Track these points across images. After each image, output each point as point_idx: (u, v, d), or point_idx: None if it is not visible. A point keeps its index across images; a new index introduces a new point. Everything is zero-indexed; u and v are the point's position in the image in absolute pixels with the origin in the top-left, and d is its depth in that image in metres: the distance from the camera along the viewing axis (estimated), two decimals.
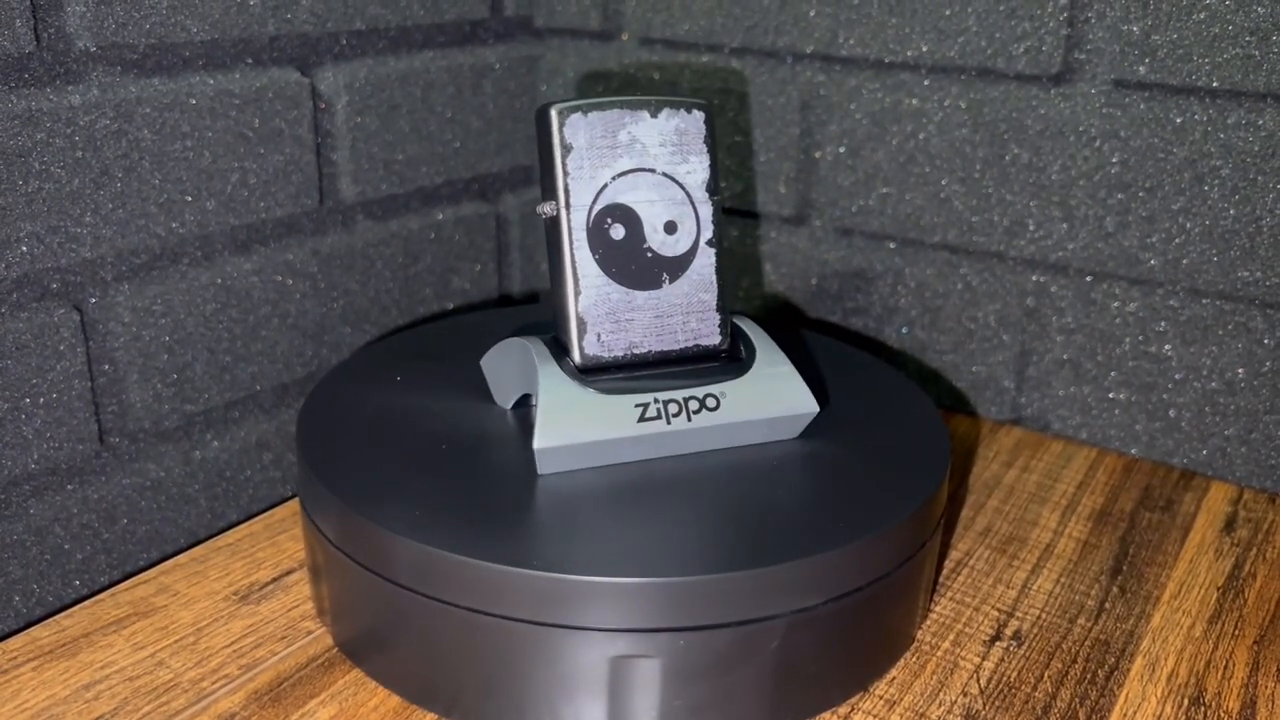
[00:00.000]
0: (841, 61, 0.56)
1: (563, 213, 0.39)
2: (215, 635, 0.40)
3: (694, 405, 0.39)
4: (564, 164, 0.39)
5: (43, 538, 0.45)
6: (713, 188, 0.41)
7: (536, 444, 0.38)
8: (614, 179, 0.40)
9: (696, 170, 0.41)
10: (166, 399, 0.49)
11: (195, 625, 0.41)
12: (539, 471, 0.39)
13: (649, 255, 0.41)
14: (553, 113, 0.39)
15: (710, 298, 0.41)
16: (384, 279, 0.58)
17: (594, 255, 0.40)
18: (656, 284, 0.41)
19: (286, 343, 0.53)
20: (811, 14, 0.56)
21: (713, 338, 0.41)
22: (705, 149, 0.41)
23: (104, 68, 0.44)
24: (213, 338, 0.50)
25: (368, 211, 0.57)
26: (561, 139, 0.39)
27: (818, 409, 0.41)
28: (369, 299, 0.57)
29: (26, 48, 0.41)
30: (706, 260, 0.41)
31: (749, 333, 0.42)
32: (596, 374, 0.40)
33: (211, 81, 0.48)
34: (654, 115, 0.40)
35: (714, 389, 0.40)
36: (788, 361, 0.41)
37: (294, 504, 0.49)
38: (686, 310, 0.41)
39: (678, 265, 0.41)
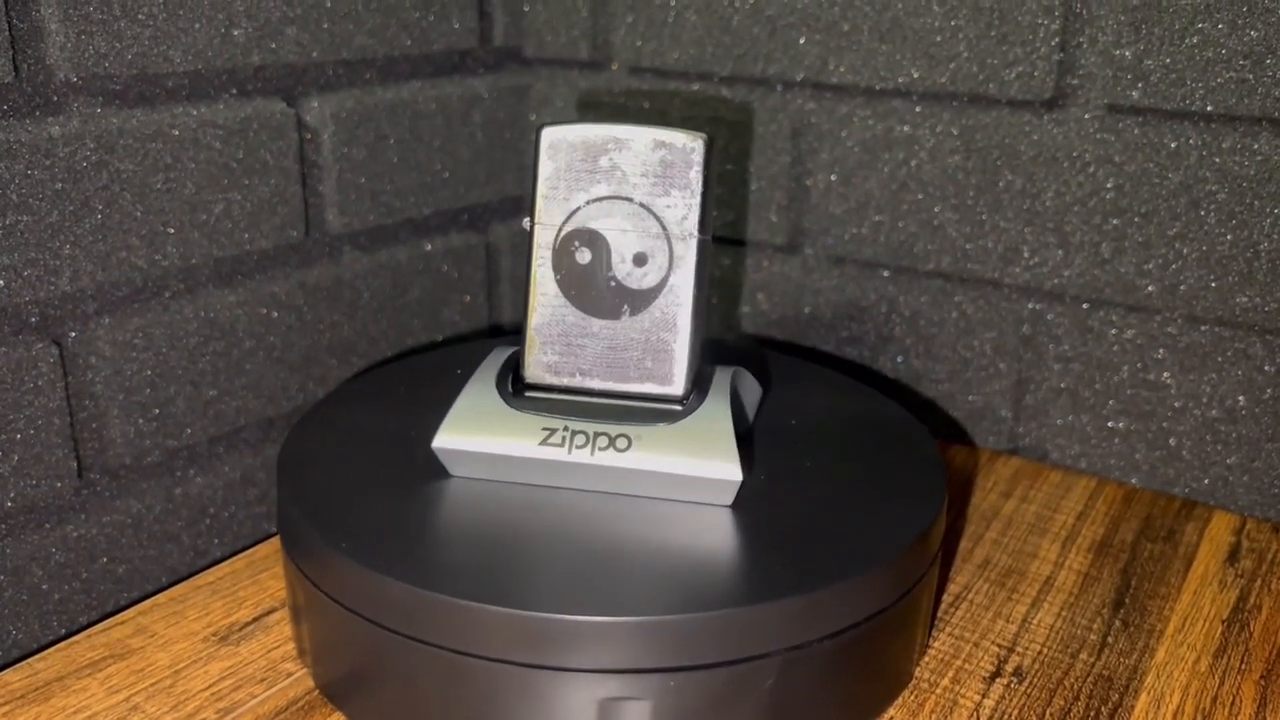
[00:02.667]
0: (832, 89, 0.56)
1: (534, 230, 0.40)
2: (193, 678, 0.39)
3: (602, 442, 0.38)
4: (541, 182, 0.40)
5: (19, 578, 0.44)
6: (698, 227, 0.39)
7: (434, 443, 0.39)
8: (588, 203, 0.40)
9: (677, 205, 0.39)
10: (148, 434, 0.48)
11: (173, 667, 0.40)
12: (451, 472, 0.40)
13: (612, 284, 0.40)
14: (541, 132, 0.40)
15: (672, 339, 0.40)
16: (371, 311, 0.57)
17: (555, 275, 0.40)
18: (615, 314, 0.40)
19: (271, 376, 0.53)
20: (801, 41, 0.56)
21: (670, 384, 0.40)
22: (691, 184, 0.39)
23: (85, 99, 0.44)
24: (196, 372, 0.49)
25: (355, 243, 0.56)
26: (543, 158, 0.40)
27: (740, 479, 0.37)
28: (356, 331, 0.56)
29: (5, 78, 0.41)
30: (673, 300, 0.40)
31: (714, 384, 0.40)
32: (540, 392, 0.40)
33: (195, 112, 0.47)
34: (641, 144, 0.39)
35: (629, 430, 0.38)
36: (728, 420, 0.38)
37: (277, 540, 0.48)
38: (644, 347, 0.40)
39: (641, 299, 0.40)
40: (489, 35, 0.61)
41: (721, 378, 0.41)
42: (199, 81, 0.48)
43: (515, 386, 0.41)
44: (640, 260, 0.39)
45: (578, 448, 0.38)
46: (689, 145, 0.39)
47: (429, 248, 0.60)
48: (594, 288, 0.40)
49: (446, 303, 0.62)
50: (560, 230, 0.40)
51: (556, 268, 0.40)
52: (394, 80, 0.56)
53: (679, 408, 0.39)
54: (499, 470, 0.39)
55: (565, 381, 0.40)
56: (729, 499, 0.38)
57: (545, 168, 0.40)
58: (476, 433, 0.39)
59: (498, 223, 0.65)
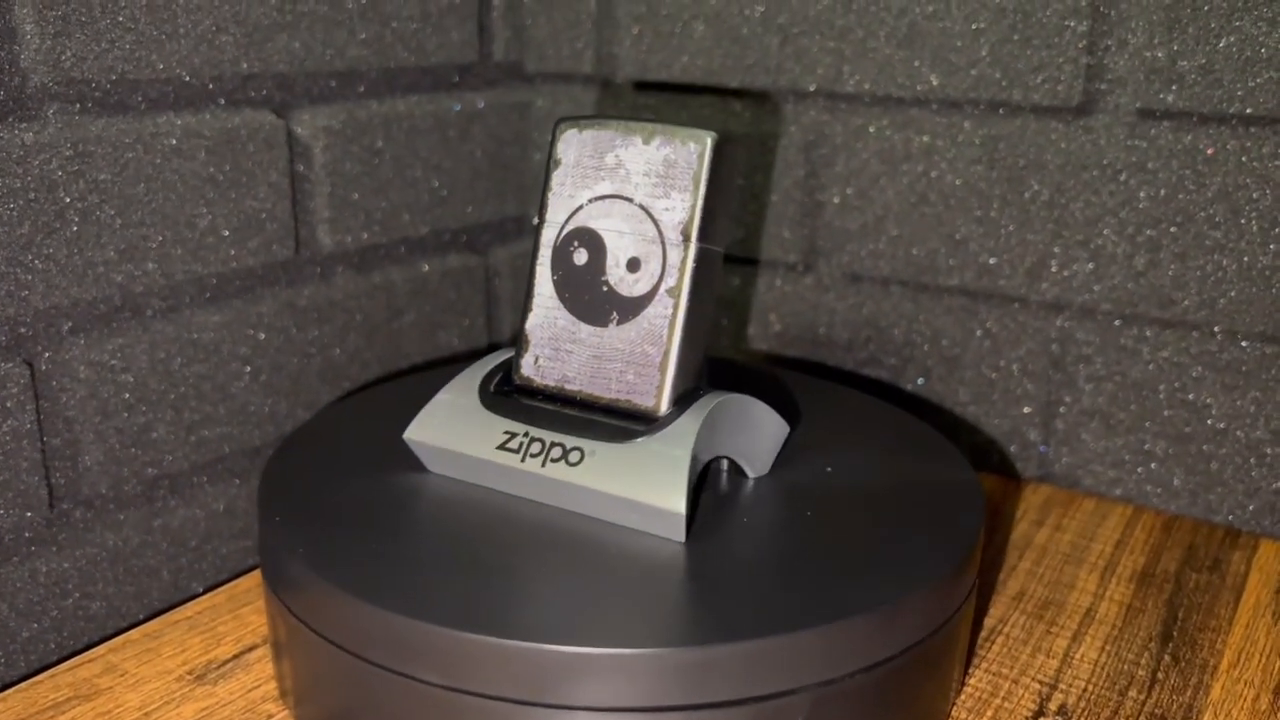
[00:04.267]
0: (846, 99, 0.54)
1: (540, 227, 0.38)
2: None
3: (556, 453, 0.35)
4: (550, 178, 0.38)
5: None
6: (699, 233, 0.36)
7: (405, 434, 0.39)
8: (590, 201, 0.37)
9: (676, 208, 0.36)
10: (126, 462, 0.45)
11: (143, 709, 0.36)
12: (426, 467, 0.39)
13: (604, 289, 0.37)
14: (557, 126, 0.38)
15: (656, 354, 0.36)
16: (364, 334, 0.54)
17: (553, 275, 0.38)
18: (604, 321, 0.37)
19: (258, 402, 0.50)
20: (814, 50, 0.54)
21: (648, 401, 0.36)
22: (692, 186, 0.36)
23: (61, 104, 0.41)
24: (177, 396, 0.46)
25: (347, 262, 0.53)
26: (555, 153, 0.38)
27: (683, 512, 0.33)
28: (348, 355, 0.54)
29: None
30: (662, 310, 0.36)
31: (693, 408, 0.36)
32: (525, 396, 0.38)
33: (179, 121, 0.45)
34: (646, 141, 0.37)
35: (586, 444, 0.35)
36: (687, 448, 0.34)
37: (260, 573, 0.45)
38: (627, 359, 0.36)
39: (630, 307, 0.37)
40: (489, 49, 0.59)
41: (707, 402, 0.36)
42: (184, 89, 0.45)
43: (500, 388, 0.39)
44: (634, 266, 0.37)
45: (531, 456, 0.36)
46: (693, 144, 0.36)
47: (425, 269, 0.57)
48: (587, 291, 0.37)
49: (443, 326, 0.59)
50: (562, 229, 0.38)
51: (555, 268, 0.38)
52: (389, 94, 0.54)
53: (643, 427, 0.36)
54: (464, 470, 0.38)
55: (550, 387, 0.38)
56: (677, 534, 0.34)
57: (556, 162, 0.38)
58: (444, 429, 0.38)
59: (498, 244, 0.62)
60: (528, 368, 0.38)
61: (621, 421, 0.36)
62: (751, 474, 0.39)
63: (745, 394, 0.38)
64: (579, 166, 0.37)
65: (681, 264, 0.36)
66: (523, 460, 0.36)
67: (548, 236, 0.38)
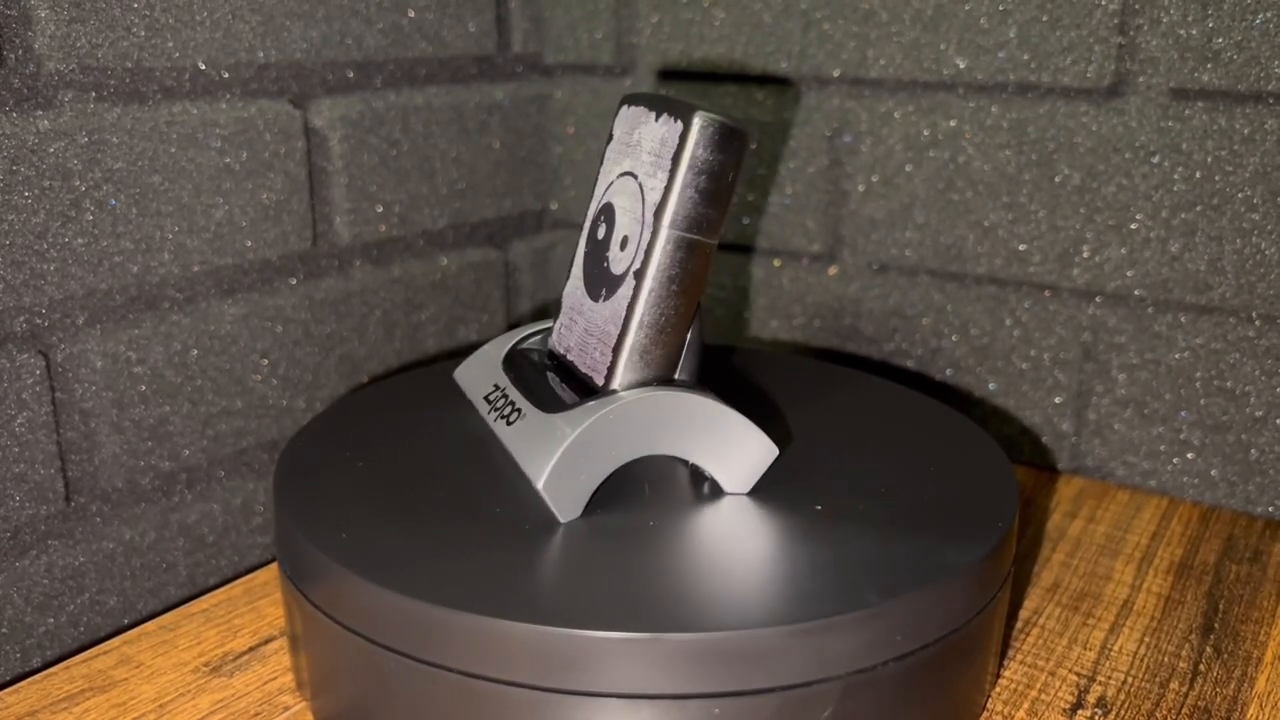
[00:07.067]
0: (871, 84, 0.53)
1: (592, 199, 0.39)
2: (180, 712, 0.35)
3: (506, 410, 0.37)
4: (605, 151, 0.39)
5: (0, 608, 0.41)
6: (671, 217, 0.34)
7: (455, 373, 0.42)
8: (618, 177, 0.37)
9: (656, 189, 0.34)
10: (142, 455, 0.44)
11: (158, 701, 0.36)
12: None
13: (605, 265, 0.37)
14: (620, 102, 0.39)
15: (614, 333, 0.35)
16: (383, 329, 0.54)
17: (586, 247, 0.38)
18: (597, 297, 0.37)
19: (276, 395, 0.49)
20: (837, 35, 0.53)
21: (599, 379, 0.35)
22: (670, 168, 0.34)
23: (76, 91, 0.41)
24: (194, 389, 0.46)
25: (366, 255, 0.53)
26: (611, 128, 0.39)
27: (540, 487, 0.33)
28: (367, 349, 0.53)
29: None
30: (626, 292, 0.35)
31: (625, 394, 0.34)
32: (550, 359, 0.40)
33: (195, 110, 0.44)
34: (657, 119, 0.36)
35: (525, 408, 0.36)
36: (573, 430, 0.33)
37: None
38: (599, 336, 0.36)
39: (613, 285, 0.36)
40: (508, 41, 0.59)
41: (641, 394, 0.34)
42: (200, 78, 0.45)
43: (534, 348, 0.41)
44: (624, 244, 0.36)
45: (494, 409, 0.38)
46: (681, 122, 0.34)
47: (444, 262, 0.57)
48: (596, 266, 0.37)
49: (463, 321, 0.58)
50: (599, 202, 0.38)
51: (588, 240, 0.38)
52: (408, 85, 0.53)
53: (572, 402, 0.35)
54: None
55: (559, 354, 0.39)
56: (550, 506, 0.33)
57: (610, 138, 0.39)
58: (471, 375, 0.41)
59: (517, 238, 0.61)
60: (555, 333, 0.40)
61: (571, 394, 0.36)
62: (727, 489, 0.36)
63: (725, 402, 0.35)
64: (619, 142, 0.38)
65: (649, 246, 0.34)
66: (488, 413, 0.38)
67: (591, 209, 0.39)
